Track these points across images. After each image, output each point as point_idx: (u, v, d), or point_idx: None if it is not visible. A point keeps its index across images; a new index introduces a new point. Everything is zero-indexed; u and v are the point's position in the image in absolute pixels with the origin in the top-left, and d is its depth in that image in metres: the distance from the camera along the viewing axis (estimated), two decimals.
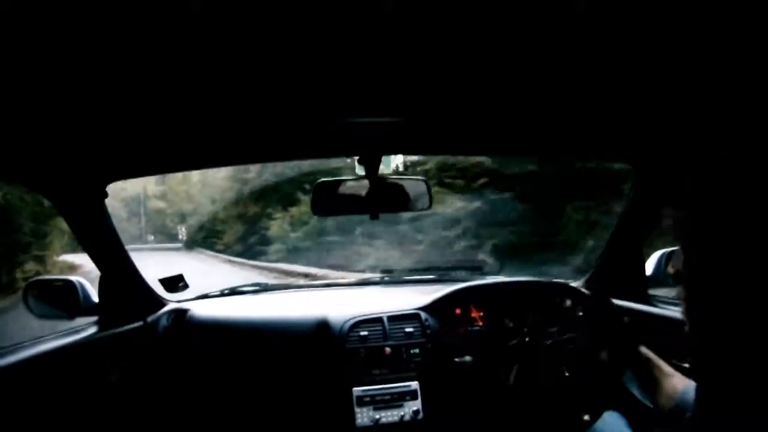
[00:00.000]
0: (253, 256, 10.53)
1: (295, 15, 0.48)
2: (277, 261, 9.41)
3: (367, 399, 1.29)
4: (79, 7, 0.44)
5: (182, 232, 15.37)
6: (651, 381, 0.87)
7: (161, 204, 17.58)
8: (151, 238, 17.18)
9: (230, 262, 11.05)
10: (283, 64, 0.61)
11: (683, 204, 0.48)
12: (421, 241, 6.95)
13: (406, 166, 6.54)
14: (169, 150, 1.02)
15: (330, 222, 8.10)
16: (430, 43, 0.56)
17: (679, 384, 0.79)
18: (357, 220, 6.55)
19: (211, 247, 13.61)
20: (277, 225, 10.09)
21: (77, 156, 0.96)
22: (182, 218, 16.29)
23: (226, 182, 13.47)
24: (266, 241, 10.58)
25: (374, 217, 1.19)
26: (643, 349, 0.93)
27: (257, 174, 11.04)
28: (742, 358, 0.44)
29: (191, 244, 15.12)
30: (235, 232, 12.30)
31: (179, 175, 13.33)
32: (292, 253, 9.22)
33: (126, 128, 0.83)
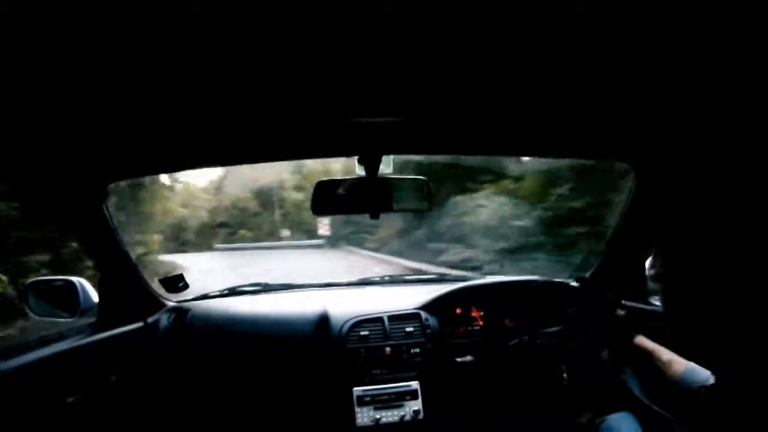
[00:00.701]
0: (423, 256, 7.32)
1: (295, 15, 0.48)
2: (487, 267, 5.70)
3: (368, 399, 1.29)
4: (79, 6, 0.44)
5: (324, 226, 13.23)
6: (652, 369, 0.89)
7: (298, 195, 15.35)
8: (286, 233, 14.82)
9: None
10: (283, 64, 0.61)
11: (657, 215, 0.53)
12: None
13: None
14: (169, 150, 1.02)
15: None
16: (430, 43, 0.56)
17: (679, 367, 0.82)
18: None
19: (360, 243, 11.25)
20: (495, 203, 5.93)
21: (77, 156, 0.96)
22: None
23: None
24: (447, 236, 7.04)
25: (374, 216, 1.19)
26: (640, 339, 0.94)
27: None
28: (712, 347, 0.50)
29: (336, 241, 12.94)
30: (391, 225, 9.68)
31: (318, 162, 11.59)
32: (516, 253, 5.62)
33: (127, 128, 0.83)
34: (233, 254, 11.29)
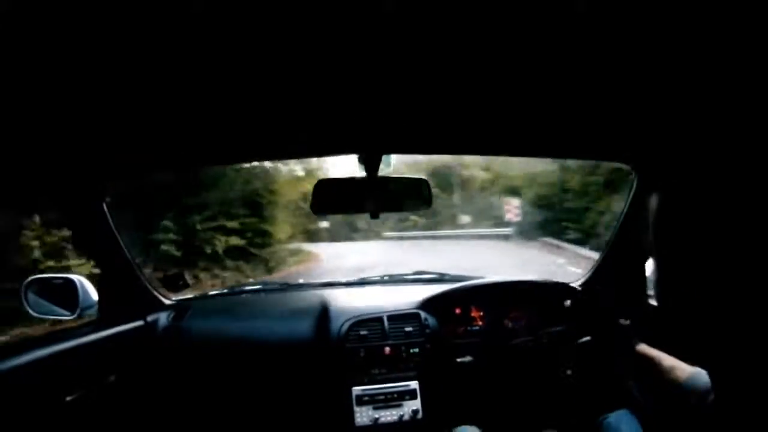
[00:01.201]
0: None
1: (295, 15, 0.48)
2: None
3: (367, 398, 1.29)
4: (78, 6, 0.44)
5: (513, 210, 11.03)
6: (653, 377, 0.88)
7: (484, 175, 12.67)
8: (466, 220, 12.52)
9: None
10: (282, 63, 0.61)
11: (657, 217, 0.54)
12: None
13: None
14: (170, 148, 1.02)
15: None
16: (431, 43, 0.56)
17: (682, 374, 0.81)
18: None
19: (560, 234, 9.12)
20: None
21: (77, 155, 0.96)
22: (514, 194, 11.63)
23: None
24: None
25: (374, 216, 1.19)
26: (642, 347, 0.93)
27: None
28: (710, 348, 0.51)
29: (528, 230, 10.79)
30: (599, 213, 7.64)
31: None
32: None
33: (127, 127, 0.83)
34: (402, 244, 10.25)
